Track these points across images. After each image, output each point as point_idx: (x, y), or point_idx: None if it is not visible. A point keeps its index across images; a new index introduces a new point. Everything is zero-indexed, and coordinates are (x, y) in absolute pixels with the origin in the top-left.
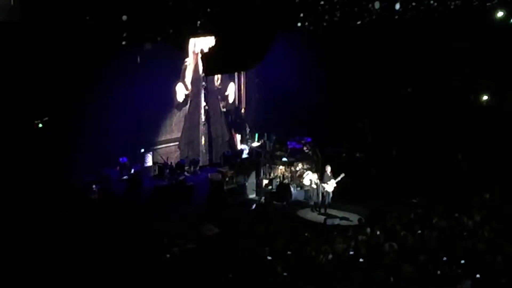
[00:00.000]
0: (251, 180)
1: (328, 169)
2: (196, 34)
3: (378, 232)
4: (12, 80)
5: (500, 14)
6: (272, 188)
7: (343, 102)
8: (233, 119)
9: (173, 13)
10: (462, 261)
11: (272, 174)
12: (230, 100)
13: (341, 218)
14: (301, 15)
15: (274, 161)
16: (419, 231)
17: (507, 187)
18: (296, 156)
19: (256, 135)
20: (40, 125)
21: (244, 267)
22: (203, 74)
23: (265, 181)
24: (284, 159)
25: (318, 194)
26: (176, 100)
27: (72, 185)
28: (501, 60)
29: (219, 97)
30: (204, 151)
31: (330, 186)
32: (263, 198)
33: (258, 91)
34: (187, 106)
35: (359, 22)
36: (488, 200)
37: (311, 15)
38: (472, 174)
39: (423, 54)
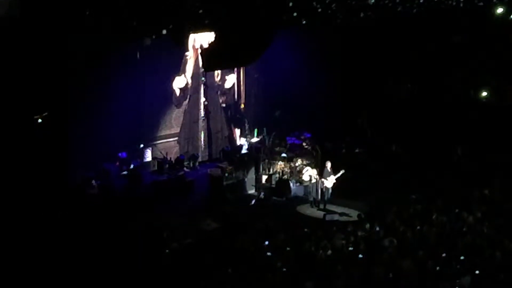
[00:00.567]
0: (251, 176)
1: (328, 165)
2: (196, 30)
3: (377, 228)
4: (12, 76)
5: (500, 10)
6: (271, 184)
7: (342, 97)
8: (233, 115)
9: (173, 9)
10: (462, 257)
11: (271, 170)
12: (231, 93)
13: (341, 214)
14: (300, 10)
15: (274, 157)
16: (419, 227)
17: (506, 182)
18: (295, 151)
19: (256, 130)
20: (40, 121)
21: (243, 263)
22: (203, 69)
23: (265, 177)
24: (284, 154)
25: (317, 190)
26: (175, 94)
27: (72, 181)
28: (501, 56)
29: (219, 92)
30: (203, 146)
31: (329, 182)
32: (262, 193)
33: (257, 87)
34: (187, 101)
35: (360, 15)
36: (487, 196)
37: (310, 10)
38: (472, 169)
39: (423, 49)
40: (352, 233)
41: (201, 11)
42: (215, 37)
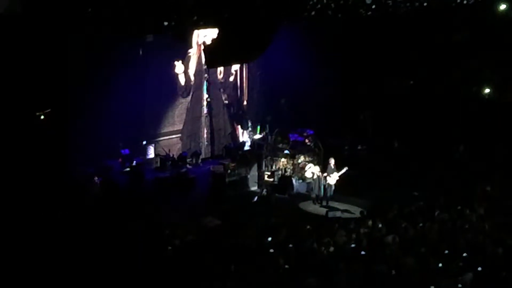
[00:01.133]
0: (253, 173)
1: (332, 161)
2: (199, 26)
3: (379, 225)
4: (14, 72)
5: (502, 7)
6: (274, 181)
7: (345, 94)
8: (235, 112)
9: (175, 5)
10: (464, 254)
11: (274, 167)
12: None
13: (343, 211)
14: (303, 7)
15: (276, 154)
16: (421, 224)
17: (508, 179)
18: (298, 148)
19: (258, 127)
20: (42, 117)
21: (246, 260)
22: (206, 66)
23: (267, 174)
24: (286, 151)
25: (320, 187)
26: (179, 83)
27: (74, 177)
28: (503, 53)
29: (221, 89)
30: (206, 143)
31: (332, 178)
32: (265, 190)
33: (260, 84)
34: (189, 97)
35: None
36: (489, 193)
37: (312, 7)
38: (474, 166)
39: (425, 46)
40: (354, 230)
41: (203, 7)
42: (218, 34)
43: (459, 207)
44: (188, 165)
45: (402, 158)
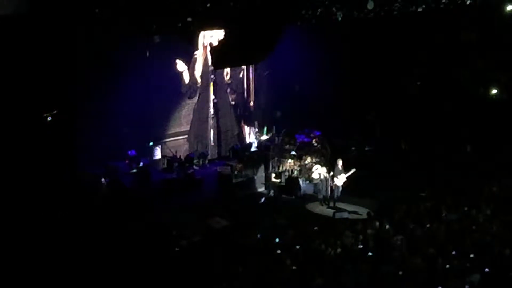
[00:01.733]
0: (260, 174)
1: (340, 163)
2: (205, 27)
3: (387, 226)
4: (21, 73)
5: (510, 7)
6: (281, 182)
7: (352, 95)
8: (242, 113)
9: (182, 6)
10: (471, 255)
11: (281, 168)
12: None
13: (350, 212)
14: (310, 8)
15: (283, 155)
16: (428, 225)
17: None
18: (305, 149)
19: (265, 128)
20: (49, 118)
21: (253, 260)
22: (212, 67)
23: (274, 175)
24: (293, 152)
25: (327, 188)
26: (183, 81)
27: (81, 178)
28: (510, 53)
29: (228, 90)
30: (213, 144)
31: (340, 180)
32: (272, 191)
33: (266, 85)
34: (196, 99)
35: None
36: (497, 193)
37: (319, 8)
38: (481, 166)
39: (433, 46)
40: (361, 231)
41: (211, 9)
42: (225, 35)
43: (466, 208)
44: (195, 166)
45: (409, 158)
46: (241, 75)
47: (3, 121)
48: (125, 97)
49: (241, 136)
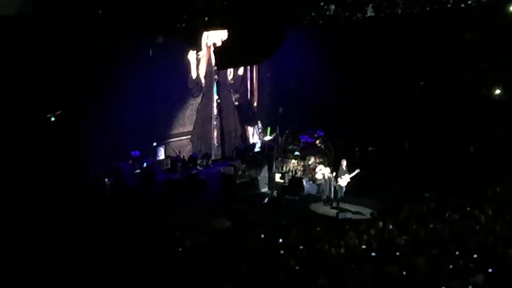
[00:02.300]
0: (264, 174)
1: (344, 163)
2: (209, 28)
3: (390, 226)
4: (24, 74)
5: None
6: (284, 182)
7: (355, 95)
8: (246, 113)
9: (185, 7)
10: (475, 255)
11: (284, 168)
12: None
13: (354, 212)
14: (312, 8)
15: (287, 155)
16: (432, 225)
17: None
18: (308, 149)
19: (269, 129)
20: (53, 119)
21: (256, 261)
22: (216, 68)
23: (278, 175)
24: (297, 153)
25: (330, 188)
26: (191, 76)
27: (85, 179)
28: None
29: (232, 90)
30: (216, 144)
31: (344, 180)
32: (275, 192)
33: (270, 85)
34: (200, 99)
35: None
36: (500, 193)
37: (322, 8)
38: (485, 167)
39: (436, 47)
40: (365, 231)
41: (214, 9)
42: (228, 35)
43: (470, 208)
44: (198, 167)
45: (412, 159)
46: (244, 76)
47: (7, 122)
48: (129, 98)
49: (244, 136)
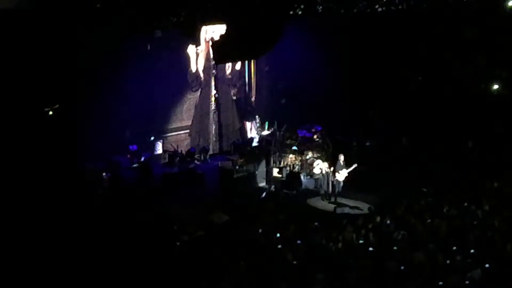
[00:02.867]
0: (261, 169)
1: (341, 158)
2: (207, 22)
3: (388, 221)
4: (22, 68)
5: (511, 3)
6: (282, 177)
7: (353, 90)
8: (244, 107)
9: (184, 1)
10: (472, 250)
11: (282, 163)
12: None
13: (351, 207)
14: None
15: (284, 150)
16: (429, 220)
17: None
18: (306, 144)
19: (267, 123)
20: (50, 113)
21: (254, 255)
22: (214, 62)
23: (276, 170)
24: (294, 147)
25: (328, 183)
26: (191, 71)
27: (82, 173)
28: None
29: (230, 85)
30: (214, 139)
31: (341, 175)
32: (273, 186)
33: (268, 79)
34: (198, 93)
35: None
36: (498, 189)
37: (321, 2)
38: (483, 162)
39: (434, 42)
40: (362, 226)
41: (212, 3)
42: (226, 30)
43: (467, 203)
44: (196, 161)
45: (410, 154)
46: (242, 70)
47: (5, 116)
48: (127, 92)
49: (242, 131)
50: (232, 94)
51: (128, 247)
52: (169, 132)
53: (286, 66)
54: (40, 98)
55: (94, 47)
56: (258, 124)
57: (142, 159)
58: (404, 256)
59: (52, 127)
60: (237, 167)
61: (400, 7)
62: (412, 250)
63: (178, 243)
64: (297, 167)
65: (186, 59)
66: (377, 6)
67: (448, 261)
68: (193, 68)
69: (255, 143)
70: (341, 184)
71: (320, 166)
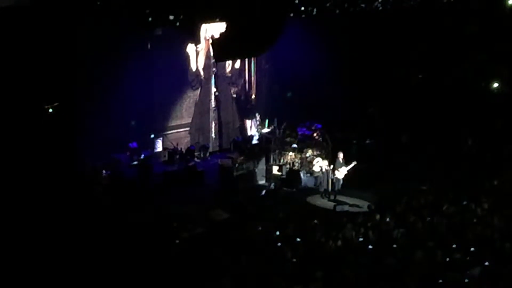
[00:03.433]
0: (261, 166)
1: (341, 155)
2: (207, 20)
3: (387, 219)
4: (22, 65)
5: (511, 1)
6: (282, 174)
7: (353, 88)
8: (244, 105)
9: None
10: (472, 248)
11: (282, 161)
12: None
13: (351, 205)
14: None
15: (284, 147)
16: (429, 218)
17: None
18: (306, 142)
19: (266, 121)
20: (50, 110)
21: (253, 253)
22: (214, 60)
23: (275, 167)
24: (294, 145)
25: (328, 181)
26: (191, 69)
27: (82, 170)
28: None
29: (230, 83)
30: (214, 137)
31: (341, 173)
32: (273, 184)
33: (268, 77)
34: (198, 91)
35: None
36: (497, 186)
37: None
38: (482, 160)
39: (434, 39)
40: (362, 223)
41: (212, 1)
42: (226, 28)
43: (467, 201)
44: (196, 159)
45: (410, 151)
46: (242, 68)
47: (4, 114)
48: (126, 90)
49: (242, 128)
50: (232, 92)
51: (128, 244)
52: (169, 130)
53: (286, 63)
54: (40, 95)
55: (94, 45)
56: (258, 122)
57: (142, 156)
58: (404, 253)
59: (51, 124)
60: (237, 165)
61: (399, 5)
62: (411, 248)
63: (177, 240)
64: (296, 165)
65: (186, 57)
66: (376, 4)
67: (447, 259)
68: (193, 67)
69: (255, 141)
70: (341, 182)
71: (320, 164)
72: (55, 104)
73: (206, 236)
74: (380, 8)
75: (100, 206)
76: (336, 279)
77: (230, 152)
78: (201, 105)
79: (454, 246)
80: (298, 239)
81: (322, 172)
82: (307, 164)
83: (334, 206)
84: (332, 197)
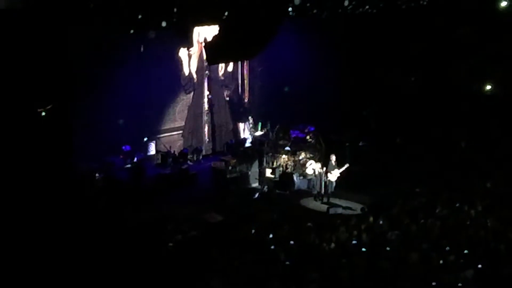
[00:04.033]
0: (254, 169)
1: (333, 158)
2: (200, 23)
3: (381, 221)
4: (15, 68)
5: (504, 3)
6: (275, 177)
7: (347, 90)
8: (237, 108)
9: (176, 2)
10: (465, 251)
11: (275, 163)
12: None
13: (344, 207)
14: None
15: (277, 150)
16: (423, 220)
17: (510, 175)
18: (299, 145)
19: (259, 124)
20: (43, 114)
21: (247, 255)
22: (207, 63)
23: (268, 170)
24: (287, 148)
25: (321, 183)
26: (183, 73)
27: (75, 173)
28: (504, 49)
29: (223, 86)
30: (207, 140)
31: (333, 175)
32: (266, 187)
33: (261, 80)
34: (191, 94)
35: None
36: (491, 189)
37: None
38: (476, 162)
39: (428, 42)
40: (355, 226)
41: (204, 4)
42: (219, 30)
43: (460, 203)
44: (189, 162)
45: (404, 154)
46: (235, 71)
47: None
48: (120, 93)
49: (235, 131)
50: (225, 95)
51: (122, 247)
52: (162, 133)
53: (279, 66)
54: (33, 98)
55: (87, 47)
56: (251, 125)
57: (135, 159)
58: (398, 256)
59: (45, 127)
60: (230, 167)
61: (391, 7)
62: (405, 250)
63: (171, 243)
64: (290, 167)
65: (179, 61)
66: (367, 7)
67: (441, 261)
68: (185, 71)
69: (248, 144)
70: (334, 184)
71: (313, 167)
72: (48, 107)
73: (200, 239)
74: (374, 11)
75: (93, 209)
76: (330, 281)
77: (223, 155)
78: (194, 108)
79: (448, 248)
80: (292, 242)
81: (315, 175)
82: (300, 166)
83: (328, 208)
84: (325, 199)
